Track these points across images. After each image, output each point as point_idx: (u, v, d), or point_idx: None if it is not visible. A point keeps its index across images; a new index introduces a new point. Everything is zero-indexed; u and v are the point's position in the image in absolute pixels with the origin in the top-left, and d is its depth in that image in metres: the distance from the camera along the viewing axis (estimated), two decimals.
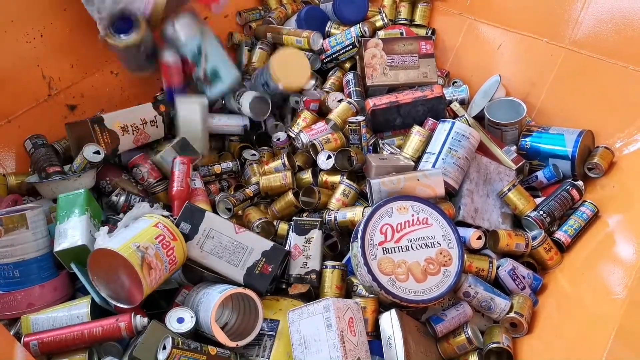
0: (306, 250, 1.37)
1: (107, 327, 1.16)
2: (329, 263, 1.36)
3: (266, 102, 1.72)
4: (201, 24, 1.70)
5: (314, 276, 1.34)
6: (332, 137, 1.62)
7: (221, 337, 1.18)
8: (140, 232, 1.20)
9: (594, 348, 1.05)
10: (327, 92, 1.82)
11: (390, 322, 1.23)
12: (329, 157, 1.58)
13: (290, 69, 1.72)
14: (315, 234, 1.39)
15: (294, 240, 1.38)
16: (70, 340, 1.15)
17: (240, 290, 1.24)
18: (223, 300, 1.20)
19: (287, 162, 1.62)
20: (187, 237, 1.30)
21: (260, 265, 1.30)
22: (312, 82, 1.82)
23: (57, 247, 1.29)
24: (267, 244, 1.33)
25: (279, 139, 1.75)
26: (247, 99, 1.71)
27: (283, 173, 1.60)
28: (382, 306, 1.31)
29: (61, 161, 1.58)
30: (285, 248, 1.38)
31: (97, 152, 1.50)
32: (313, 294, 1.36)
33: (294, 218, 1.43)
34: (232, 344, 1.19)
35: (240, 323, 1.30)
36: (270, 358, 1.20)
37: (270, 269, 1.30)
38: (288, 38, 1.91)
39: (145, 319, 1.17)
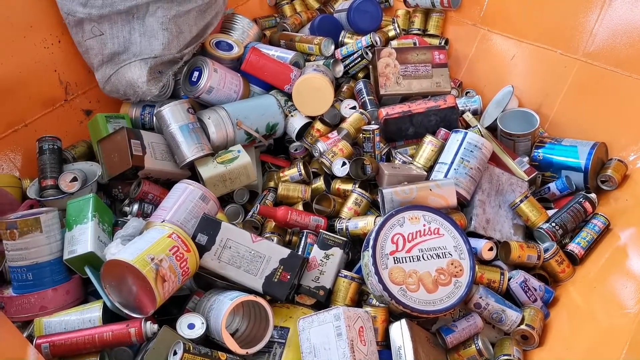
0: (323, 265, 1.37)
1: (117, 333, 1.16)
2: (348, 273, 1.36)
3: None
4: None
5: (322, 292, 1.34)
6: (337, 149, 1.62)
7: (231, 344, 1.19)
8: (155, 243, 1.20)
9: None
10: (339, 99, 1.83)
11: (400, 332, 1.23)
12: (344, 164, 1.59)
13: (311, 97, 1.71)
14: (337, 253, 1.39)
15: (314, 253, 1.39)
16: (82, 344, 1.16)
17: (251, 297, 1.25)
18: (234, 308, 1.21)
19: (302, 171, 1.63)
20: (205, 249, 1.30)
21: (279, 273, 1.30)
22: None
23: (66, 255, 1.31)
24: (285, 252, 1.33)
25: (296, 149, 1.76)
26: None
27: (303, 187, 1.60)
28: (393, 316, 1.31)
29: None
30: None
31: (75, 179, 1.50)
32: (323, 303, 1.36)
33: (321, 230, 1.43)
34: (242, 352, 1.20)
35: (250, 330, 1.30)
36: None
37: (288, 277, 1.30)
38: (300, 45, 1.92)
39: (155, 326, 1.18)
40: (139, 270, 1.12)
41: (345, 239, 1.41)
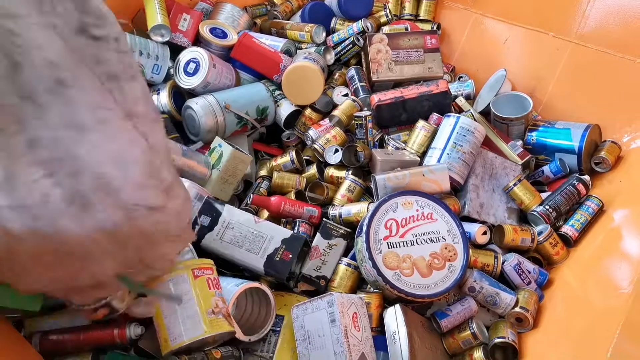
0: (325, 255, 1.37)
1: (102, 335, 1.13)
2: (349, 261, 1.35)
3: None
4: None
5: (323, 282, 1.34)
6: (331, 136, 1.61)
7: (237, 331, 1.19)
8: (200, 299, 1.13)
9: (600, 342, 1.04)
10: (331, 87, 1.82)
11: (394, 318, 1.22)
12: (336, 151, 1.58)
13: (301, 86, 1.69)
14: (340, 243, 1.38)
15: (317, 242, 1.38)
16: (69, 343, 1.13)
17: (256, 284, 1.25)
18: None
19: (295, 159, 1.62)
20: (207, 229, 1.31)
21: (281, 253, 1.31)
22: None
23: None
24: (287, 232, 1.34)
25: (288, 137, 1.75)
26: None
27: (297, 178, 1.60)
28: (387, 302, 1.31)
29: None
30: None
31: None
32: (320, 290, 1.35)
33: (324, 220, 1.43)
34: (245, 338, 1.20)
35: (249, 317, 1.30)
36: (275, 353, 1.20)
37: (290, 256, 1.30)
38: (291, 32, 1.91)
39: (140, 328, 1.14)
40: (220, 334, 1.11)
41: (349, 230, 1.40)
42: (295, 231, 1.44)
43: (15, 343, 1.12)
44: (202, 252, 1.29)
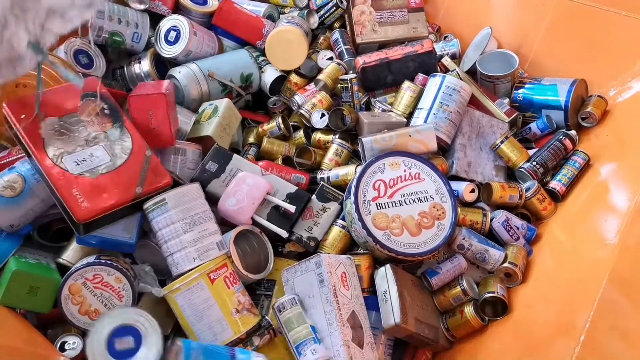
0: (318, 217, 1.36)
1: None
2: (344, 223, 1.35)
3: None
4: None
5: (313, 244, 1.33)
6: (317, 101, 1.60)
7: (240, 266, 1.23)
8: (218, 305, 1.14)
9: (588, 293, 1.05)
10: (316, 51, 1.79)
11: (385, 277, 1.23)
12: (322, 115, 1.57)
13: (284, 50, 1.66)
14: (333, 207, 1.38)
15: (311, 203, 1.38)
16: None
17: (248, 227, 1.29)
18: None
19: (282, 125, 1.61)
20: (214, 175, 1.33)
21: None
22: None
23: None
24: (292, 187, 1.37)
25: (274, 104, 1.73)
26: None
27: (287, 146, 1.59)
28: (377, 262, 1.31)
29: None
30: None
31: None
32: (309, 251, 1.35)
33: (321, 183, 1.43)
34: (252, 277, 1.24)
35: (249, 260, 1.32)
36: (268, 317, 1.21)
37: (293, 210, 1.32)
38: None
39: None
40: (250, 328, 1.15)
41: (344, 195, 1.40)
42: None
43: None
44: (207, 196, 1.28)
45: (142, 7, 1.63)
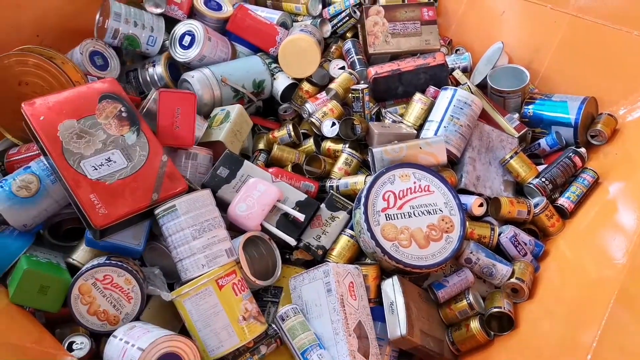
0: (326, 226, 1.37)
1: None
2: (352, 233, 1.36)
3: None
4: None
5: (320, 252, 1.34)
6: (328, 109, 1.61)
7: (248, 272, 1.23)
8: (225, 313, 1.15)
9: (594, 312, 1.06)
10: (328, 60, 1.80)
11: (392, 288, 1.24)
12: (333, 124, 1.57)
13: (297, 58, 1.68)
14: (342, 216, 1.38)
15: (320, 211, 1.39)
16: None
17: (256, 233, 1.29)
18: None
19: (292, 133, 1.62)
20: (225, 181, 1.35)
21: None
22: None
23: None
24: (302, 195, 1.38)
25: (285, 111, 1.74)
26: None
27: (297, 152, 1.60)
28: (384, 273, 1.32)
29: None
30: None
31: None
32: (317, 259, 1.36)
33: (331, 192, 1.44)
34: (259, 283, 1.25)
35: (257, 267, 1.33)
36: (275, 326, 1.21)
37: (302, 219, 1.33)
38: (287, 5, 1.89)
39: None
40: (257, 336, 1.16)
41: (353, 204, 1.41)
42: None
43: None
44: (217, 202, 1.28)
45: (158, 10, 1.64)
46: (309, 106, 1.64)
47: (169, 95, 1.37)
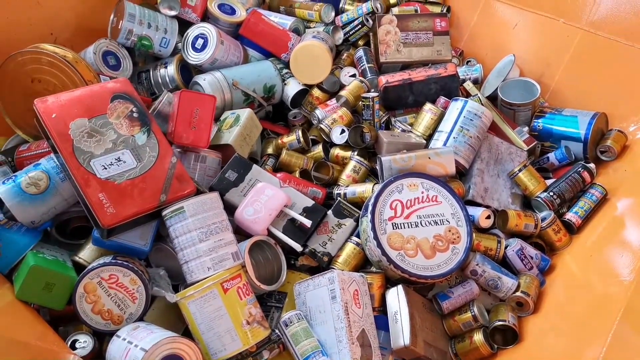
0: (333, 232, 1.37)
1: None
2: (358, 241, 1.35)
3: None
4: None
5: (326, 259, 1.34)
6: (337, 116, 1.61)
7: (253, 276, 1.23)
8: (229, 316, 1.15)
9: (600, 329, 1.05)
10: (339, 67, 1.81)
11: (396, 298, 1.24)
12: (342, 131, 1.58)
13: (308, 64, 1.68)
14: (349, 224, 1.38)
15: (327, 218, 1.39)
16: None
17: (263, 237, 1.29)
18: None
19: (301, 138, 1.62)
20: (233, 184, 1.35)
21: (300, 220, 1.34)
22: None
23: None
24: (309, 201, 1.38)
25: (294, 117, 1.74)
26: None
27: (306, 158, 1.60)
28: (389, 282, 1.32)
29: None
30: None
31: None
32: (322, 266, 1.36)
33: (338, 199, 1.44)
34: (264, 288, 1.24)
35: (263, 271, 1.33)
36: (278, 331, 1.21)
37: (309, 225, 1.32)
38: (300, 11, 1.90)
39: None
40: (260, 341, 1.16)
41: (360, 211, 1.41)
42: None
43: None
44: (224, 205, 1.28)
45: (172, 12, 1.65)
46: (319, 112, 1.65)
47: (190, 95, 1.38)
